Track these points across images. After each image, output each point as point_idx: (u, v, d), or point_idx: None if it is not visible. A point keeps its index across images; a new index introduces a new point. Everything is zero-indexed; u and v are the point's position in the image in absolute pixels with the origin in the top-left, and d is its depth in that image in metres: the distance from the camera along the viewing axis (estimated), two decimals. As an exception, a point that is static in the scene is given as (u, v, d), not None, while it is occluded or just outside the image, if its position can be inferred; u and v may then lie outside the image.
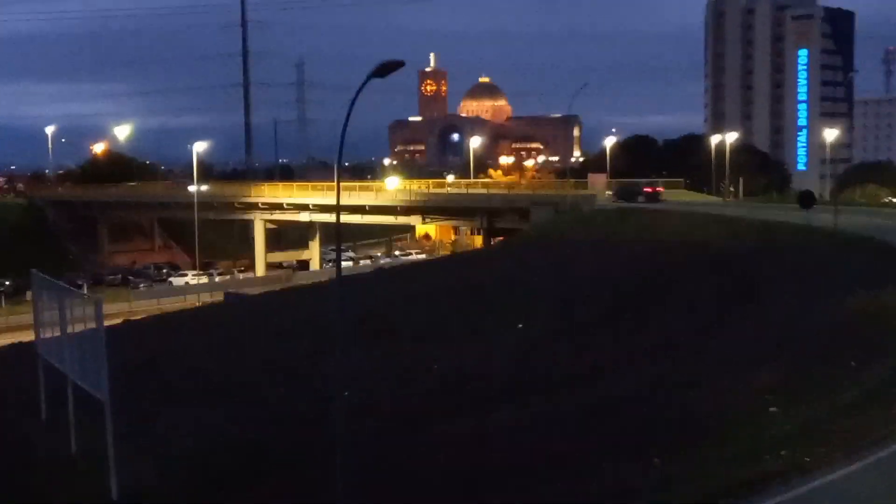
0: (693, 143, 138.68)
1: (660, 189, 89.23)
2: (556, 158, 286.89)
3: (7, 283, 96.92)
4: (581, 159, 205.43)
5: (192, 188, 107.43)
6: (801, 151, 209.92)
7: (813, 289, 35.95)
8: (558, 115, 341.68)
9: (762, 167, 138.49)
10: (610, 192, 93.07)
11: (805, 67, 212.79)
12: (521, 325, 31.19)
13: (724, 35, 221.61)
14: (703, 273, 41.75)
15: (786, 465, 18.72)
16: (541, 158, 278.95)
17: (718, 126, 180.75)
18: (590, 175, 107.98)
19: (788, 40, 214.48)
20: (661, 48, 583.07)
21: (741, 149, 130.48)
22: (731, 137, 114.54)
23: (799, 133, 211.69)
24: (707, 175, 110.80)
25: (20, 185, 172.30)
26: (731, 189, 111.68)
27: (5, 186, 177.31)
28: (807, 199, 54.41)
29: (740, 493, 17.56)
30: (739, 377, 25.46)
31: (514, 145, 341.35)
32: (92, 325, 18.89)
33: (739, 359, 27.66)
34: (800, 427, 21.10)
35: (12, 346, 44.69)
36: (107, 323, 18.84)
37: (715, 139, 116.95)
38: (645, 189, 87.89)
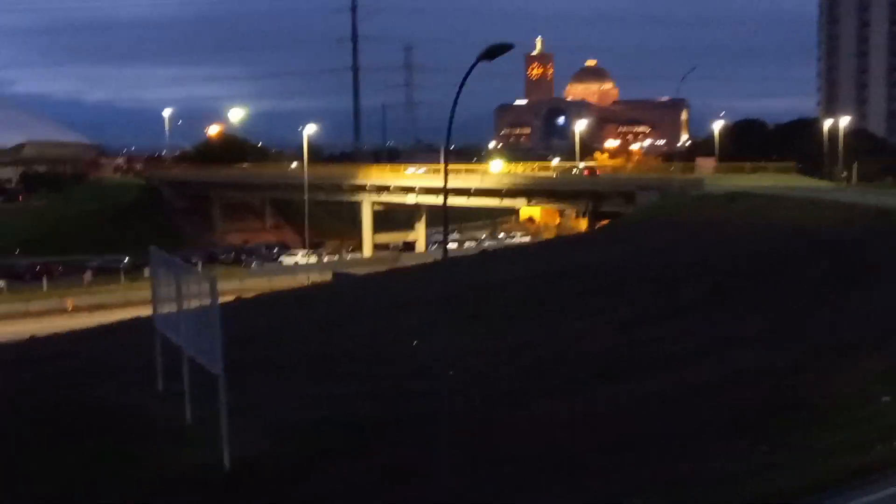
0: (805, 127, 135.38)
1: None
2: (662, 142, 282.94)
3: (126, 259, 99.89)
4: (688, 143, 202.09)
5: (295, 169, 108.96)
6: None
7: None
8: (666, 99, 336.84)
9: (877, 152, 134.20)
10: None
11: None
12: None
13: (838, 16, 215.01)
14: (813, 257, 40.90)
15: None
16: (647, 142, 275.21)
17: (831, 110, 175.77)
18: (697, 159, 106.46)
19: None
20: (773, 30, 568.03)
21: (855, 133, 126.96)
22: (845, 121, 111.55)
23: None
24: (819, 160, 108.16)
25: (138, 166, 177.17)
26: (844, 174, 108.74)
27: (124, 167, 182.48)
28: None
29: (850, 482, 17.23)
30: (847, 363, 24.99)
31: (620, 129, 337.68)
32: (207, 301, 19.53)
33: (848, 345, 27.12)
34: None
35: (131, 320, 46.21)
36: (220, 300, 19.46)
37: (827, 123, 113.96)
38: None
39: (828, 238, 44.69)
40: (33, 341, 43.55)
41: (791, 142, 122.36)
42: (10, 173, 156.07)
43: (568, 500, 17.02)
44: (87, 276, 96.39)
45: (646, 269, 41.81)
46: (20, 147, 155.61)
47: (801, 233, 46.92)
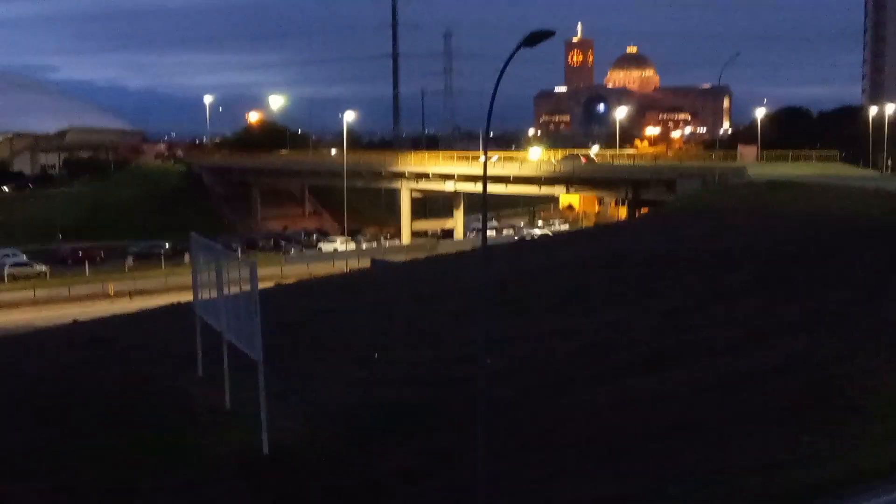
0: (849, 116, 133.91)
1: None
2: (703, 130, 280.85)
3: (167, 244, 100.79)
4: (730, 131, 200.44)
5: (334, 156, 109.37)
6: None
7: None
8: (707, 86, 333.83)
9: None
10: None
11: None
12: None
13: (885, 2, 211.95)
14: (857, 246, 40.40)
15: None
16: (688, 130, 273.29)
17: (877, 98, 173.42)
18: (739, 146, 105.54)
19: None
20: (817, 16, 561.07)
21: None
22: (891, 109, 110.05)
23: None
24: (864, 148, 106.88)
25: (179, 152, 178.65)
26: (889, 163, 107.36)
27: (165, 153, 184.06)
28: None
29: (892, 473, 17.09)
30: (891, 355, 24.68)
31: (660, 116, 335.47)
32: (246, 287, 19.61)
33: (892, 336, 26.77)
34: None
35: (172, 305, 46.60)
36: (260, 286, 19.53)
37: (873, 111, 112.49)
38: None
39: (872, 227, 44.14)
40: (76, 325, 44.01)
41: (835, 130, 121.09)
42: (54, 159, 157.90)
43: (609, 487, 16.95)
44: (129, 261, 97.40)
45: (688, 256, 41.49)
46: (63, 133, 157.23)
47: (845, 221, 46.38)
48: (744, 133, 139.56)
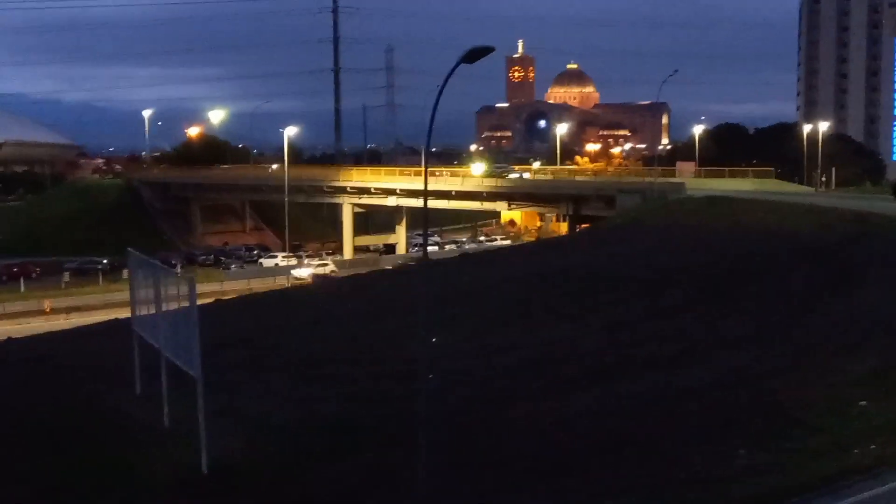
0: (785, 132, 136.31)
1: None
2: (643, 146, 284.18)
3: (104, 261, 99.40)
4: (669, 147, 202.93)
5: (275, 171, 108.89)
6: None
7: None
8: (647, 103, 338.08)
9: (856, 157, 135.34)
10: None
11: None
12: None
13: (818, 22, 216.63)
14: (793, 262, 41.04)
15: (876, 459, 18.42)
16: (628, 146, 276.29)
17: (811, 115, 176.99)
18: (678, 163, 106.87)
19: (886, 27, 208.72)
20: (753, 35, 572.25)
21: (834, 138, 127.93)
22: (824, 126, 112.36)
23: (895, 122, 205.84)
24: (799, 165, 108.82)
25: (117, 167, 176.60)
26: (823, 179, 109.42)
27: (103, 168, 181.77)
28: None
29: (828, 486, 17.32)
30: (828, 367, 25.08)
31: (601, 132, 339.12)
32: (185, 303, 19.38)
33: (828, 348, 27.22)
34: (892, 420, 20.72)
35: (109, 322, 45.92)
36: (199, 302, 19.31)
37: (807, 128, 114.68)
38: None
39: (808, 242, 44.87)
40: (10, 343, 43.16)
41: (771, 146, 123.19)
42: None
43: (550, 502, 16.98)
44: (65, 277, 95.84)
45: (628, 272, 41.86)
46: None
47: (782, 237, 47.09)
48: (682, 149, 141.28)
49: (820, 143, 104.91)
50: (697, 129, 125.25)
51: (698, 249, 46.50)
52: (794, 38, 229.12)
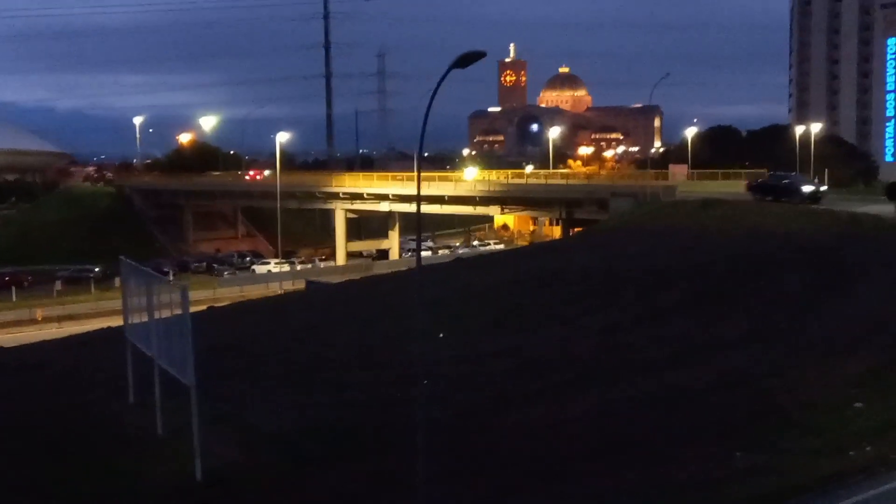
0: (777, 134, 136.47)
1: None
2: (636, 149, 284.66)
3: (96, 269, 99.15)
4: (662, 150, 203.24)
5: (267, 177, 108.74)
6: (889, 142, 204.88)
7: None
8: (639, 106, 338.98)
9: (848, 158, 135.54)
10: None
11: (894, 56, 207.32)
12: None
13: (810, 24, 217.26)
14: (788, 263, 41.05)
15: (871, 459, 18.42)
16: (620, 149, 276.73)
17: (803, 116, 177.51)
18: (671, 165, 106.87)
19: (877, 29, 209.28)
20: (746, 37, 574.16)
21: (827, 139, 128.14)
22: (816, 128, 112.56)
23: (887, 123, 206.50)
24: (791, 166, 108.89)
25: (109, 174, 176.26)
26: (816, 180, 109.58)
27: (95, 175, 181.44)
28: (894, 191, 53.15)
29: (825, 487, 17.31)
30: (825, 368, 25.07)
31: (593, 136, 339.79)
32: (178, 311, 19.29)
33: (825, 349, 27.21)
34: (887, 422, 20.73)
35: (102, 330, 45.75)
36: (192, 309, 19.21)
37: (799, 130, 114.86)
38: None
39: (802, 243, 44.88)
40: (2, 352, 42.95)
41: (763, 148, 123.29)
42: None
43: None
44: (57, 285, 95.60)
45: (623, 274, 41.80)
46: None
47: (776, 238, 47.10)
48: (675, 152, 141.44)
49: (812, 145, 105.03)
50: (690, 132, 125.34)
51: (693, 251, 46.48)
52: (785, 40, 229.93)
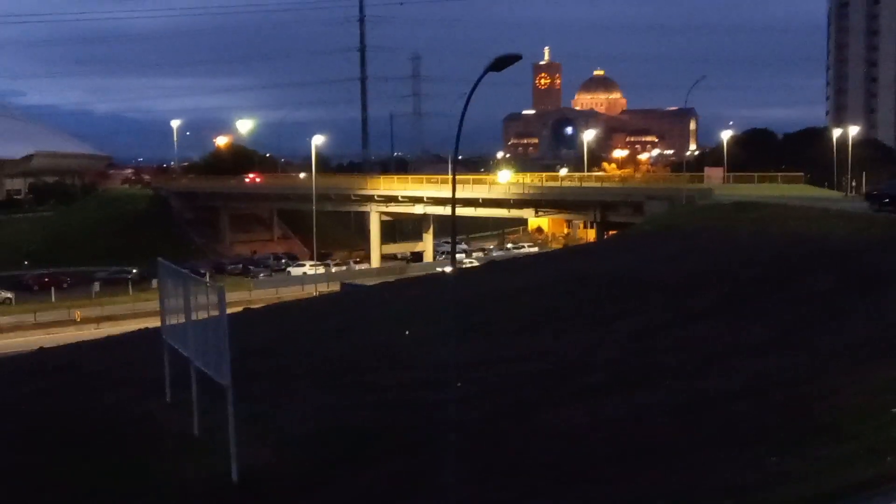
0: (814, 137, 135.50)
1: None
2: (671, 152, 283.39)
3: (134, 270, 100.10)
4: (697, 153, 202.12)
5: (303, 179, 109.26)
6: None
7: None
8: (674, 108, 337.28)
9: (886, 162, 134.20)
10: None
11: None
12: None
13: (847, 26, 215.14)
14: (822, 267, 40.74)
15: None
16: (655, 152, 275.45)
17: (840, 119, 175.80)
18: (706, 168, 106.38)
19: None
20: (782, 39, 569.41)
21: (864, 143, 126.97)
22: (854, 131, 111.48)
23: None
24: (828, 170, 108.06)
25: (146, 177, 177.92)
26: (854, 184, 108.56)
27: (133, 178, 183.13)
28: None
29: (861, 494, 17.16)
30: (858, 373, 24.86)
31: (628, 138, 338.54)
32: (214, 312, 19.50)
33: (858, 354, 26.98)
34: (923, 427, 20.52)
35: (139, 331, 46.24)
36: (228, 310, 19.43)
37: (837, 133, 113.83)
38: None
39: (838, 248, 44.52)
40: (41, 352, 43.57)
41: (800, 152, 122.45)
42: (20, 184, 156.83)
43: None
44: (96, 287, 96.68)
45: (655, 278, 41.69)
46: (29, 158, 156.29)
47: (811, 242, 46.76)
48: (710, 155, 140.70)
49: (849, 148, 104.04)
50: (725, 135, 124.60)
51: (726, 255, 46.27)
52: (822, 43, 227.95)
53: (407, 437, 21.17)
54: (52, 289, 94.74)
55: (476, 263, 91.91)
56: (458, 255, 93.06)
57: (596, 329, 32.90)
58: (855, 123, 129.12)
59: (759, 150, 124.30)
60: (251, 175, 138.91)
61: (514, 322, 35.17)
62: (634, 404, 23.32)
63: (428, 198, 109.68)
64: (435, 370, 24.98)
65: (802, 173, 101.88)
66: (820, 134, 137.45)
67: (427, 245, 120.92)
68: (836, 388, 23.84)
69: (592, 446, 20.27)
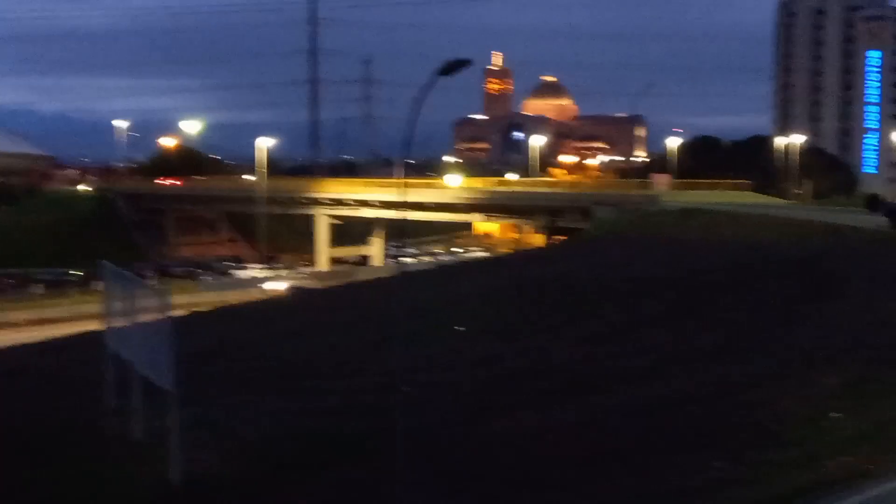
0: (760, 145, 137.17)
1: None
2: (620, 158, 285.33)
3: (77, 273, 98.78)
4: (645, 159, 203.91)
5: (251, 182, 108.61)
6: (870, 154, 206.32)
7: (882, 292, 35.37)
8: (623, 115, 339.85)
9: (830, 170, 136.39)
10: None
11: (876, 69, 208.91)
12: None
13: (793, 36, 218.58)
14: (768, 274, 41.25)
15: (849, 471, 18.49)
16: (605, 158, 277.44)
17: (786, 128, 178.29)
18: (653, 175, 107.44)
19: (860, 41, 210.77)
20: (729, 48, 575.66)
21: (809, 151, 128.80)
22: (799, 139, 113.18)
23: (868, 136, 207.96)
24: (774, 177, 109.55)
25: (92, 178, 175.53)
26: (798, 191, 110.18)
27: (78, 178, 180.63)
28: (874, 203, 53.45)
29: (802, 499, 17.36)
30: (805, 380, 25.17)
31: (577, 144, 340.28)
32: (158, 315, 19.22)
33: (804, 361, 27.32)
34: (865, 433, 20.81)
35: (82, 334, 45.52)
36: (173, 313, 19.14)
37: (782, 141, 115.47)
38: None
39: (783, 254, 45.12)
40: (-20, 356, 42.67)
41: (746, 159, 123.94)
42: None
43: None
44: (38, 289, 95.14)
45: (604, 283, 41.93)
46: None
47: (757, 249, 47.33)
48: (658, 162, 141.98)
49: (795, 156, 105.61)
50: (673, 142, 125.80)
51: (674, 261, 46.68)
52: (769, 52, 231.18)
53: (358, 443, 21.00)
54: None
55: (425, 268, 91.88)
56: (407, 259, 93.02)
57: (546, 334, 32.98)
58: (800, 132, 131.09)
59: (706, 158, 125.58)
60: (170, 179, 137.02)
61: (466, 326, 35.13)
62: (585, 410, 23.37)
63: (377, 202, 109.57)
64: (386, 375, 24.84)
65: (749, 180, 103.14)
66: (766, 142, 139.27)
67: (376, 249, 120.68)
68: (782, 394, 24.11)
69: (543, 452, 20.26)
